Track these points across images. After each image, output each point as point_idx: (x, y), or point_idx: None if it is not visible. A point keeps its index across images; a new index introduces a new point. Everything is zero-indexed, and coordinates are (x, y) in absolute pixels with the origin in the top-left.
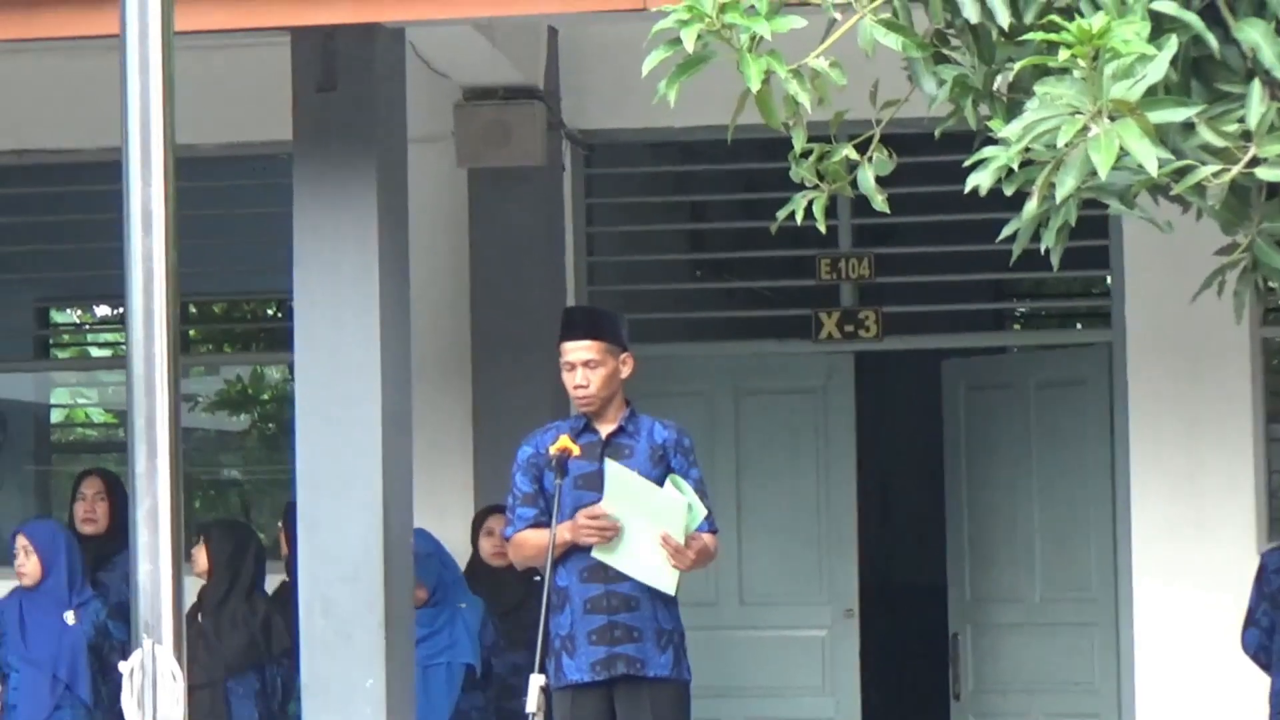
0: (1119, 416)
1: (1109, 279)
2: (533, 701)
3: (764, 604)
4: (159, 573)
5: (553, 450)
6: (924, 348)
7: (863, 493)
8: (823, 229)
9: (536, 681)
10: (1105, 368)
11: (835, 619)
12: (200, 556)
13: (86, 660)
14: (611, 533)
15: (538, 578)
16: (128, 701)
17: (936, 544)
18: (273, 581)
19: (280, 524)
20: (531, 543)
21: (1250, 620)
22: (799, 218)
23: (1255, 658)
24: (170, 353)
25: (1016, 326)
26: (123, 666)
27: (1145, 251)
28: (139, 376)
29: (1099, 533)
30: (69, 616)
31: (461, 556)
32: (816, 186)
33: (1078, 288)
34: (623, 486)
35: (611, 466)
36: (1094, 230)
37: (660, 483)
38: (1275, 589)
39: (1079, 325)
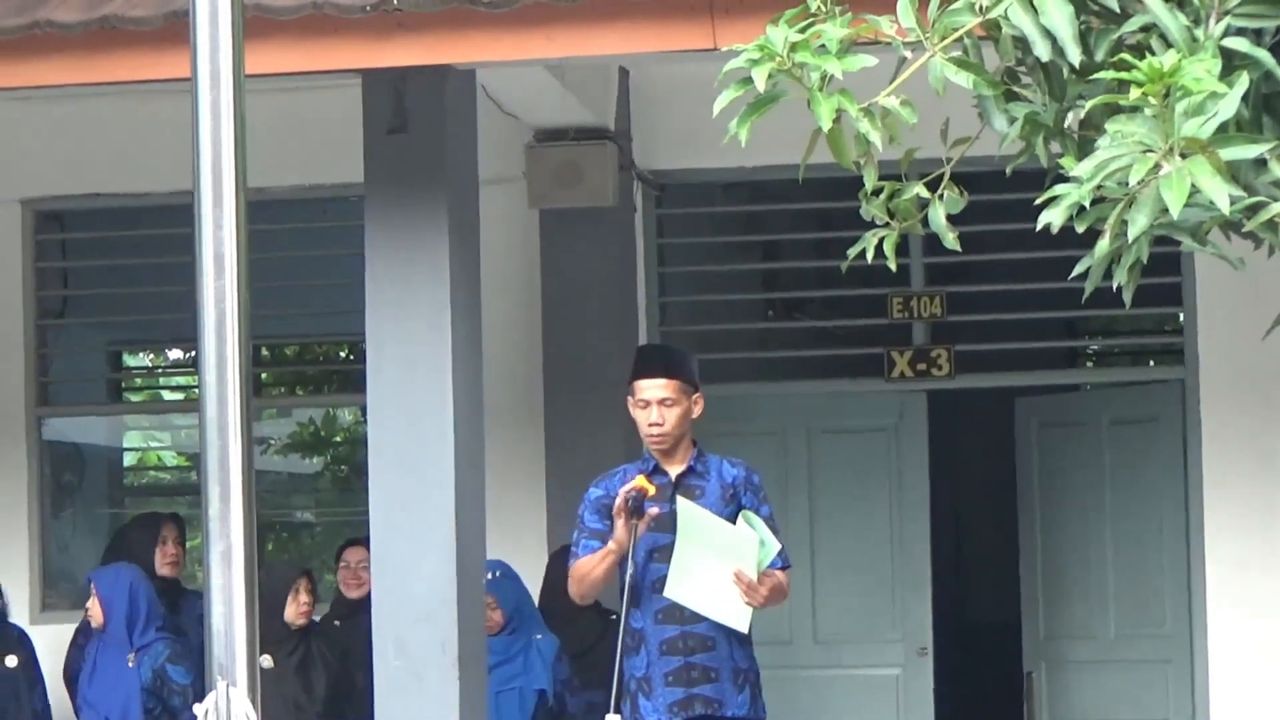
0: (1192, 452)
1: (1181, 316)
2: None
3: (838, 642)
4: (232, 614)
5: (631, 488)
6: (996, 385)
7: (936, 531)
8: (893, 267)
9: None
10: (1178, 404)
11: (909, 657)
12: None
13: (140, 704)
14: (638, 493)
15: (614, 616)
16: None
17: (1010, 582)
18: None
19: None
20: (586, 564)
21: None
22: (870, 256)
23: None
24: (242, 395)
25: (1089, 364)
26: (197, 709)
27: (1218, 288)
28: (211, 419)
29: (1173, 568)
30: (130, 659)
31: (537, 596)
32: (887, 224)
33: (1150, 325)
34: (695, 523)
35: (683, 504)
36: (1166, 267)
37: (732, 521)
38: None
39: (1151, 362)
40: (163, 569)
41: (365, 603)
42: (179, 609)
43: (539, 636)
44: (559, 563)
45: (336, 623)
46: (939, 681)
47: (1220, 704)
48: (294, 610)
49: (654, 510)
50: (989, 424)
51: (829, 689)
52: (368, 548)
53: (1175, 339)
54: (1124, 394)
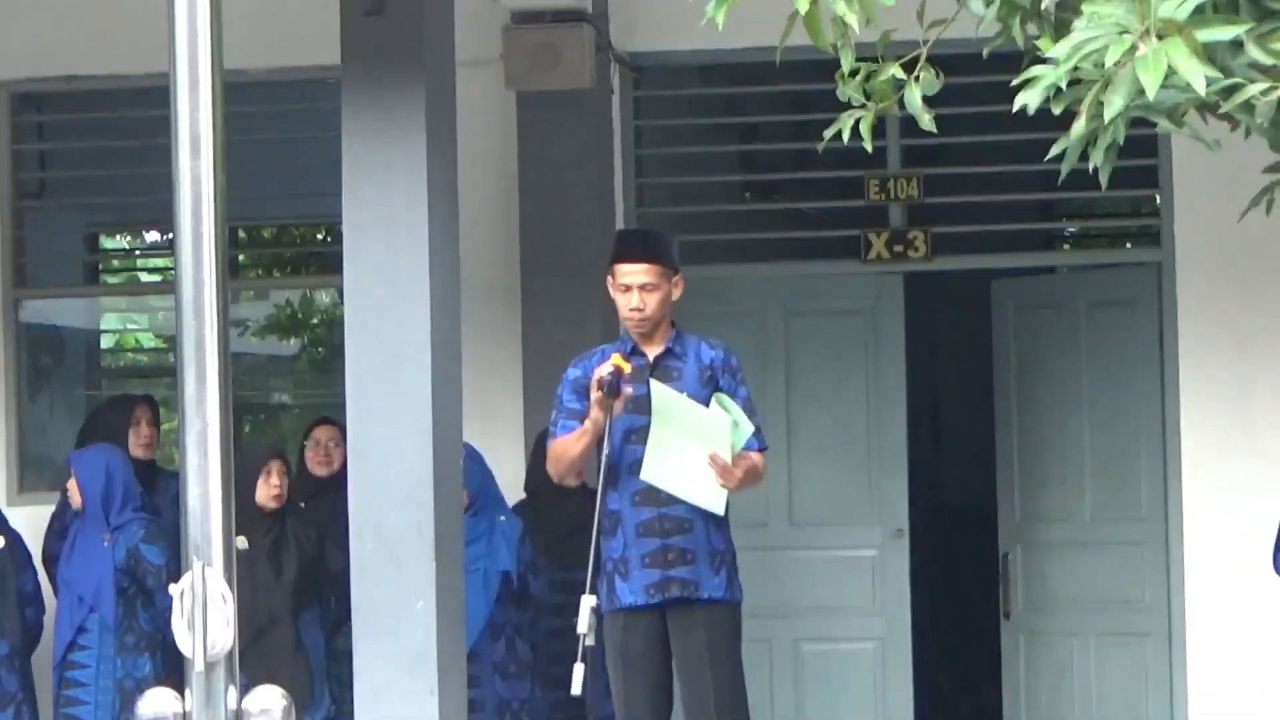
0: (1168, 335)
1: (1158, 198)
2: (584, 622)
3: (814, 524)
4: (208, 496)
5: (608, 367)
6: (973, 268)
7: (913, 414)
8: (869, 148)
9: (588, 603)
10: (1155, 287)
11: (885, 539)
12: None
13: (114, 583)
14: (614, 372)
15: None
16: (178, 624)
17: (987, 464)
18: None
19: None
20: (564, 442)
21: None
22: (846, 137)
23: None
24: (219, 277)
25: (1066, 247)
26: (173, 589)
27: (1195, 170)
28: (187, 301)
29: (1149, 451)
30: (105, 539)
31: (513, 480)
32: (863, 106)
33: (1127, 207)
34: (668, 406)
35: (656, 386)
36: (1143, 149)
37: (709, 403)
38: None
39: (1129, 245)
40: (136, 450)
41: (332, 483)
42: (155, 489)
43: (502, 518)
44: (544, 445)
45: (302, 505)
46: (915, 563)
47: (1195, 585)
48: (265, 493)
49: (629, 390)
50: (966, 307)
51: (805, 570)
52: (337, 425)
53: (1152, 221)
54: (1101, 276)
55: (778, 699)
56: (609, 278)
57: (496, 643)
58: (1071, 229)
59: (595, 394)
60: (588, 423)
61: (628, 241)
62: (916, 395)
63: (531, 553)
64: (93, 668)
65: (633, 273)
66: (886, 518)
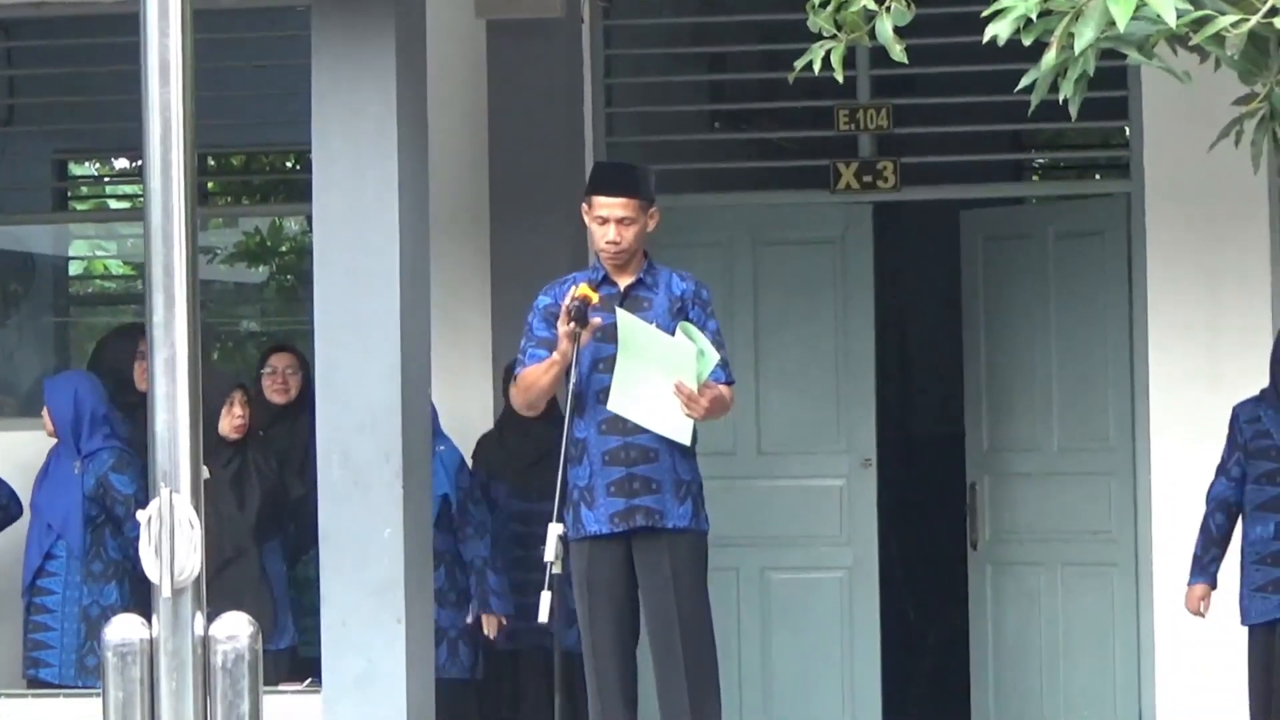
0: (1137, 267)
1: (1128, 130)
2: (551, 550)
3: (782, 454)
4: (176, 422)
5: (574, 295)
6: (942, 198)
7: (882, 343)
8: (840, 79)
9: (555, 531)
10: (1124, 218)
11: (853, 469)
12: (244, 412)
13: (82, 511)
14: (582, 301)
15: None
16: (145, 550)
17: (955, 394)
18: None
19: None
20: (532, 373)
21: (1220, 470)
22: (817, 68)
23: (1209, 505)
24: (188, 203)
25: (1035, 178)
26: (140, 515)
27: (1164, 102)
28: (156, 227)
29: (1117, 382)
30: (75, 466)
31: (482, 407)
32: (834, 36)
33: (1097, 139)
34: (634, 335)
35: (622, 315)
36: (1113, 81)
37: (676, 334)
38: (1248, 438)
39: (1098, 176)
40: (141, 384)
41: (289, 411)
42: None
43: (441, 448)
44: (509, 376)
45: (260, 433)
46: (883, 493)
47: (1162, 517)
48: (228, 423)
49: (597, 320)
50: (934, 237)
51: (773, 500)
52: (294, 353)
53: (1121, 153)
54: (1070, 207)
55: (744, 628)
56: (584, 206)
57: (436, 571)
58: (1041, 160)
59: (563, 324)
60: (556, 353)
61: (606, 174)
62: (885, 326)
63: (487, 481)
64: (59, 594)
65: (610, 205)
66: (854, 447)
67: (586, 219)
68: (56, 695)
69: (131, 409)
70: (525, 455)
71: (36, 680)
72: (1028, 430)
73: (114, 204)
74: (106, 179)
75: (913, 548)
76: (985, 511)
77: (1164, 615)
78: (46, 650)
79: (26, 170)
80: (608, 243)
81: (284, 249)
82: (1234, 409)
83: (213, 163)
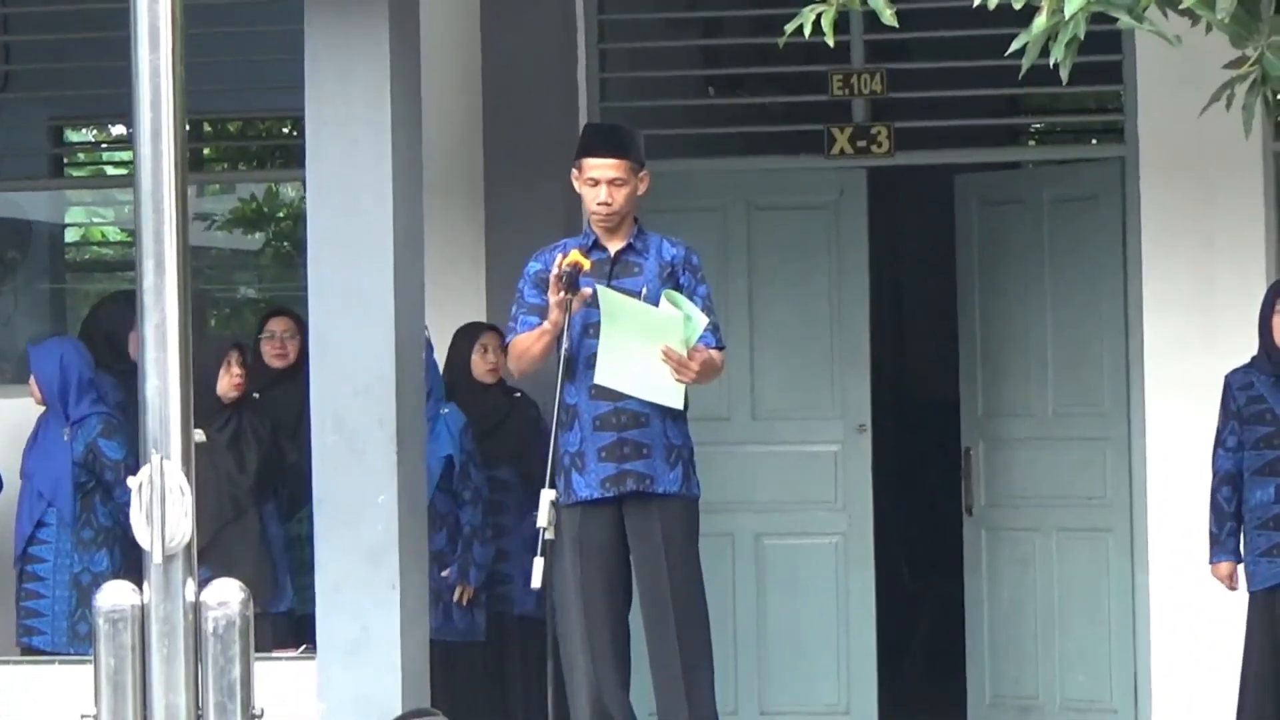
0: (1131, 231)
1: (1122, 94)
2: (544, 516)
3: (776, 419)
4: (167, 388)
5: (564, 263)
6: (935, 163)
7: (878, 309)
8: (830, 43)
9: (547, 496)
10: (1118, 183)
11: (848, 434)
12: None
13: (71, 478)
14: (573, 267)
15: (517, 395)
16: (136, 516)
17: (950, 360)
18: None
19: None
20: (524, 340)
21: (1219, 442)
22: (807, 32)
23: (1214, 477)
24: (178, 169)
25: (1032, 142)
26: (131, 481)
27: (1158, 66)
28: (147, 193)
29: (1111, 347)
30: (65, 433)
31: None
32: (825, 1)
33: (1093, 102)
34: (618, 309)
35: (604, 291)
36: (1107, 45)
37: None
38: (1240, 405)
39: (1094, 140)
40: (136, 354)
41: (287, 375)
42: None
43: (446, 410)
44: (463, 339)
45: (255, 395)
46: (879, 458)
47: (1157, 482)
48: (226, 383)
49: (588, 290)
50: (930, 202)
51: (768, 465)
52: (292, 317)
53: (1116, 117)
54: (1064, 172)
55: (740, 594)
56: (574, 170)
57: (438, 533)
58: (1037, 124)
59: (554, 292)
60: (547, 322)
61: (596, 135)
62: (880, 290)
63: (474, 445)
64: (50, 561)
65: (601, 167)
66: (849, 412)
67: (577, 184)
68: (49, 662)
69: (126, 376)
70: (479, 424)
71: (30, 648)
72: (1022, 395)
73: (110, 170)
74: (103, 145)
75: (908, 513)
76: (980, 477)
77: (1158, 580)
78: (39, 618)
79: (22, 136)
80: (599, 204)
81: (281, 215)
82: (1226, 378)
83: (209, 128)
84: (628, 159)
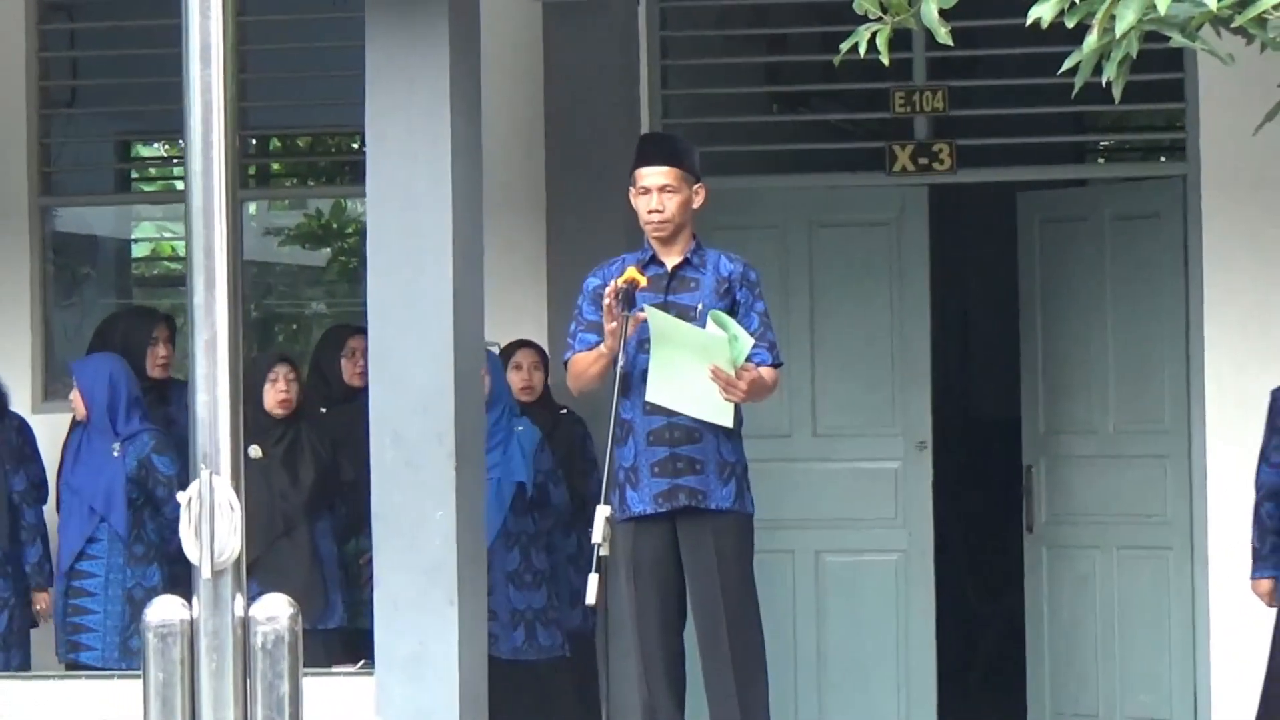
0: (1193, 249)
1: (1184, 111)
2: (598, 533)
3: (837, 436)
4: (216, 403)
5: (620, 282)
6: (997, 180)
7: (941, 327)
8: (886, 61)
9: (602, 513)
10: (1180, 200)
11: (908, 451)
12: (289, 387)
13: (124, 493)
14: (629, 284)
15: (564, 410)
16: (185, 531)
17: (1012, 377)
18: None
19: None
20: (585, 360)
21: (1263, 458)
22: (862, 50)
23: (1259, 491)
24: (229, 184)
25: (1101, 160)
26: (180, 496)
27: (1218, 84)
28: (197, 209)
29: (1172, 365)
30: (115, 449)
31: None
32: (880, 19)
33: (1161, 121)
34: (666, 330)
35: (652, 312)
36: (1168, 63)
37: (729, 314)
38: None
39: (1162, 159)
40: (154, 371)
41: (357, 391)
42: (168, 400)
43: (520, 428)
44: (512, 357)
45: (323, 410)
46: (940, 476)
47: (1217, 499)
48: (272, 398)
49: (641, 315)
50: (993, 220)
51: (828, 482)
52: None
53: (1179, 135)
54: (1127, 189)
55: (800, 610)
56: (631, 188)
57: (511, 552)
58: (1106, 143)
59: (608, 318)
60: (603, 345)
61: (648, 144)
62: (943, 308)
63: (553, 463)
64: (101, 577)
65: (652, 175)
66: (909, 430)
67: (633, 198)
68: (98, 677)
69: (142, 392)
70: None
71: (76, 664)
72: (1084, 413)
73: (179, 185)
74: (172, 160)
75: (969, 531)
76: (1041, 494)
77: (1219, 598)
78: (88, 634)
79: (90, 152)
80: (650, 211)
81: (349, 230)
82: (1273, 393)
83: (278, 143)
84: (680, 168)
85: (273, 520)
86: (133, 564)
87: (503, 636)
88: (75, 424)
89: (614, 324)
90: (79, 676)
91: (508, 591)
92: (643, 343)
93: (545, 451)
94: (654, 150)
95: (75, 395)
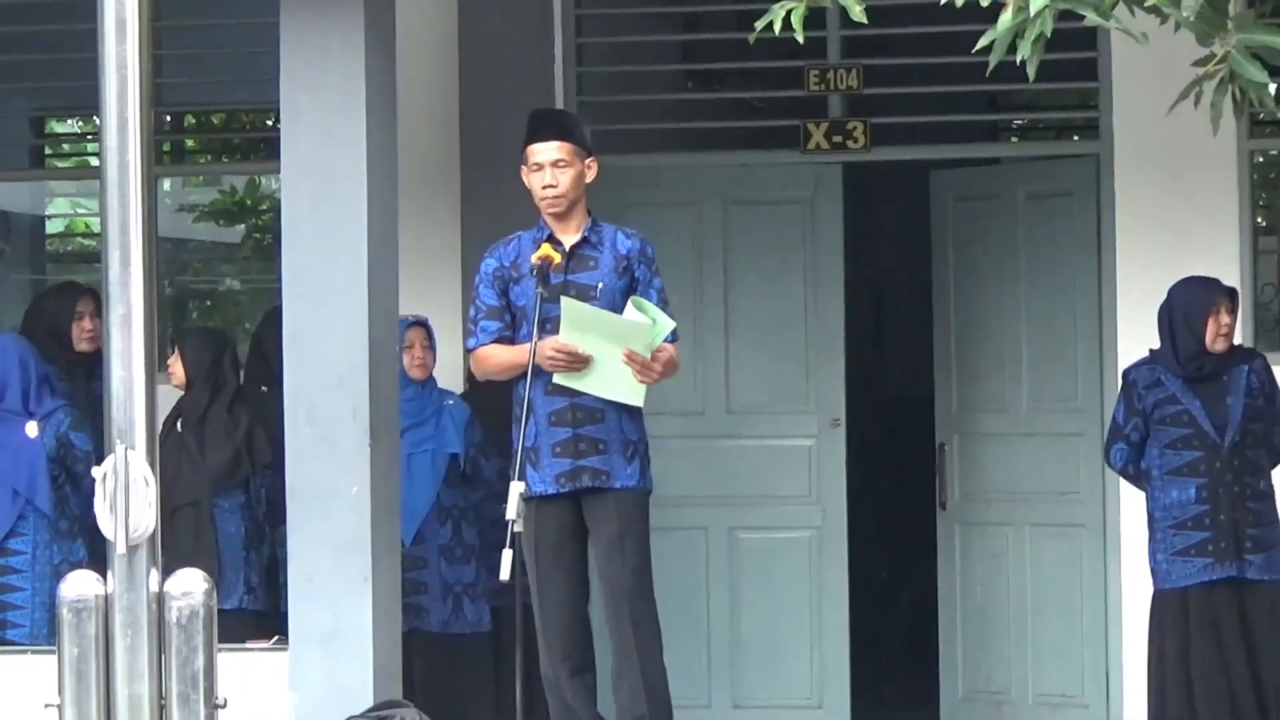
0: (1106, 228)
1: (1097, 91)
2: (513, 509)
3: (751, 413)
4: (132, 379)
5: (534, 259)
6: (911, 159)
7: (855, 306)
8: (800, 39)
9: (517, 489)
10: (1093, 179)
11: (822, 429)
12: (176, 367)
13: (47, 472)
14: (581, 366)
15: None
16: (100, 507)
17: (925, 355)
18: None
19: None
20: (495, 357)
21: (1118, 435)
22: (778, 28)
23: (1124, 471)
24: (144, 161)
25: (1014, 139)
26: (95, 472)
27: (1132, 63)
28: (113, 184)
29: (1085, 343)
30: (31, 429)
31: (450, 368)
32: None
33: (1073, 99)
34: (580, 321)
35: (567, 303)
36: (1082, 42)
37: (625, 293)
38: (1149, 404)
39: (1075, 137)
40: (81, 344)
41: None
42: (96, 374)
43: (450, 402)
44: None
45: (264, 389)
46: (854, 454)
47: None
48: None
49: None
50: (906, 198)
51: (741, 459)
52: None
53: (1092, 114)
54: (1040, 168)
55: (713, 588)
56: (524, 165)
57: (443, 526)
58: (1019, 121)
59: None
60: (519, 355)
61: (538, 120)
62: (856, 286)
63: (482, 437)
64: (28, 554)
65: (544, 150)
66: (823, 407)
67: (525, 177)
68: (19, 652)
69: (70, 367)
70: (501, 413)
71: (3, 641)
72: (996, 391)
73: (94, 162)
74: (87, 136)
75: (882, 508)
76: (954, 472)
77: (1130, 575)
78: (15, 611)
79: (4, 128)
80: (544, 187)
81: (263, 208)
82: (1127, 373)
83: (192, 120)
84: (570, 141)
85: (173, 491)
86: (59, 540)
87: (434, 610)
88: None
89: (537, 343)
90: (6, 651)
91: (440, 566)
92: (544, 323)
93: (475, 425)
94: (544, 125)
95: None
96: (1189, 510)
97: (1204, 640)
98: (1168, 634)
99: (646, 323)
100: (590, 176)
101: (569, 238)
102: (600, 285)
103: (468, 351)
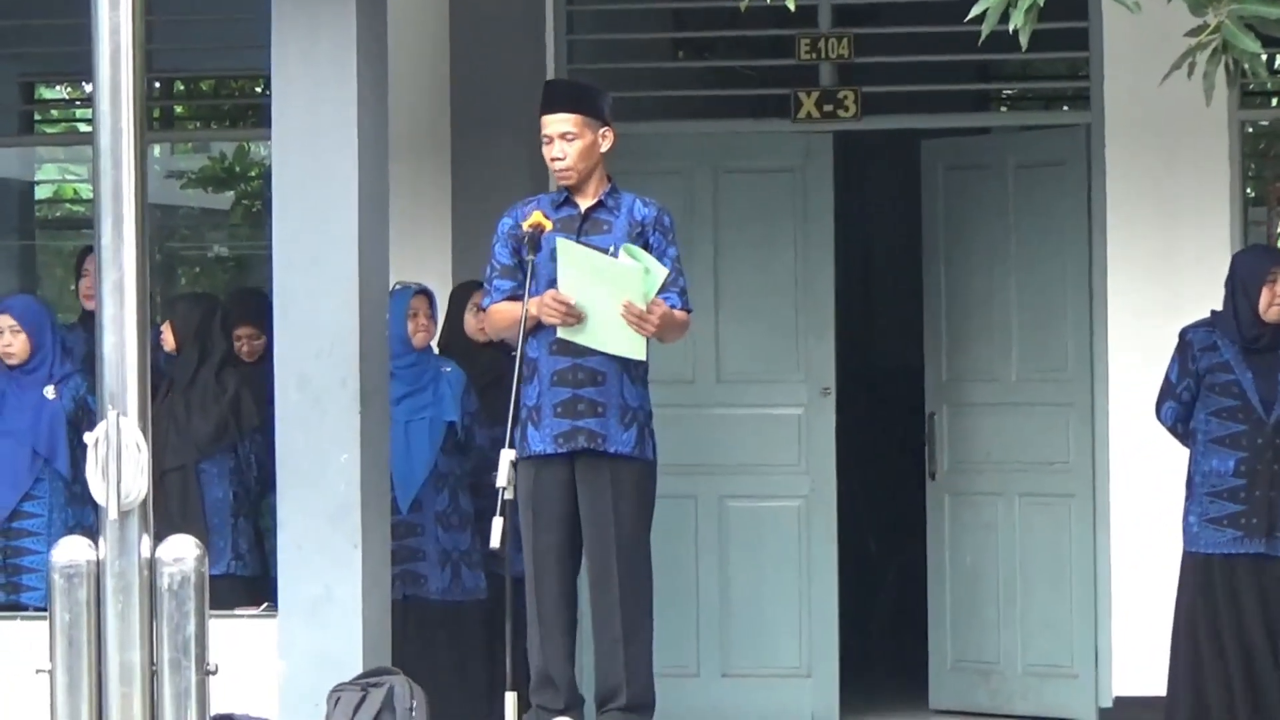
0: (1096, 197)
1: (1088, 60)
2: (503, 476)
3: (741, 382)
4: (124, 344)
5: (525, 225)
6: (901, 128)
7: (843, 274)
8: (791, 7)
9: (507, 456)
10: (1084, 149)
11: (812, 398)
12: (167, 333)
13: (65, 434)
14: (574, 320)
15: (514, 353)
16: (92, 472)
17: (915, 325)
18: None
19: None
20: (504, 314)
21: (1170, 394)
22: None
23: (1173, 429)
24: (137, 127)
25: (1003, 109)
26: (87, 437)
27: (1124, 33)
28: (105, 150)
29: (1075, 312)
30: (49, 391)
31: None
32: None
33: (1064, 69)
34: (575, 260)
35: (562, 242)
36: (1073, 11)
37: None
38: (1203, 368)
39: (1065, 107)
40: (86, 302)
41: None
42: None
43: (447, 369)
44: (458, 300)
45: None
46: (844, 423)
47: (1119, 447)
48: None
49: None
50: (896, 167)
51: (731, 427)
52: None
53: (1083, 84)
54: (1031, 138)
55: (702, 556)
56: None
57: (440, 493)
58: (1009, 90)
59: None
60: (524, 309)
61: (551, 92)
62: (847, 255)
63: (477, 404)
64: (44, 517)
65: (554, 122)
66: (813, 376)
67: (542, 144)
68: (37, 617)
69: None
70: (476, 381)
71: (17, 604)
72: (986, 360)
73: (83, 128)
74: (76, 102)
75: (872, 478)
76: (944, 442)
77: (1120, 545)
78: (29, 574)
79: None
80: (551, 159)
81: (252, 174)
82: (1184, 333)
83: (181, 86)
84: (579, 113)
85: (161, 454)
86: (74, 504)
87: (432, 577)
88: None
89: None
90: (16, 616)
91: (436, 533)
92: (549, 283)
93: (471, 394)
94: (555, 97)
95: (22, 338)
96: (1226, 482)
97: (1228, 609)
98: (1197, 594)
99: (638, 267)
100: (605, 146)
101: (585, 202)
102: (611, 249)
103: (480, 310)
